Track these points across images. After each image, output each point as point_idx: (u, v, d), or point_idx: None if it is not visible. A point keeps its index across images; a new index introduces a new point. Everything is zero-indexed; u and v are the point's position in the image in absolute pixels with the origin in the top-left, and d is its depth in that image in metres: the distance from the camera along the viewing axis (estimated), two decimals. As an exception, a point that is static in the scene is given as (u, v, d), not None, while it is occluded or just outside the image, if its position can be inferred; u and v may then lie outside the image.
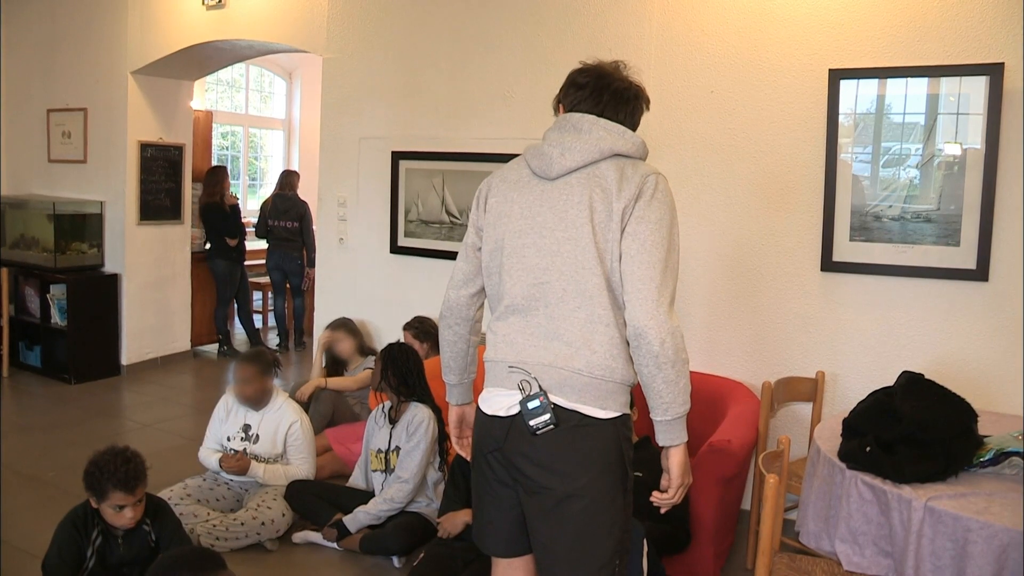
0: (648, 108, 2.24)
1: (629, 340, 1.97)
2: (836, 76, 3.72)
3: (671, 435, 2.01)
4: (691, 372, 4.08)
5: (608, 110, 2.12)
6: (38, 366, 6.56)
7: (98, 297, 6.44)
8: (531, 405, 1.97)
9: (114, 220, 6.57)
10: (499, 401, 2.06)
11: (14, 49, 7.10)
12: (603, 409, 2.00)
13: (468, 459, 2.28)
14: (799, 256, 3.90)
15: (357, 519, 3.65)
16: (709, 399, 3.90)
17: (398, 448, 3.74)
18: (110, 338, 6.53)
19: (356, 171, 5.36)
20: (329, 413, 4.74)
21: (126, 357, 6.61)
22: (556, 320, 2.01)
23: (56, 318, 6.39)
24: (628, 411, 2.06)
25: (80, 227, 6.63)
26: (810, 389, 3.72)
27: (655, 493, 2.07)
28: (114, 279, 6.55)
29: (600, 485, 2.00)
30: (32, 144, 7.08)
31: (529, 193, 2.08)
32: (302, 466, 3.94)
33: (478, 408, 2.16)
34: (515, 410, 2.01)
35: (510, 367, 2.04)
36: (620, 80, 2.17)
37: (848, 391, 3.79)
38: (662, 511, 2.15)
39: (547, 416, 1.96)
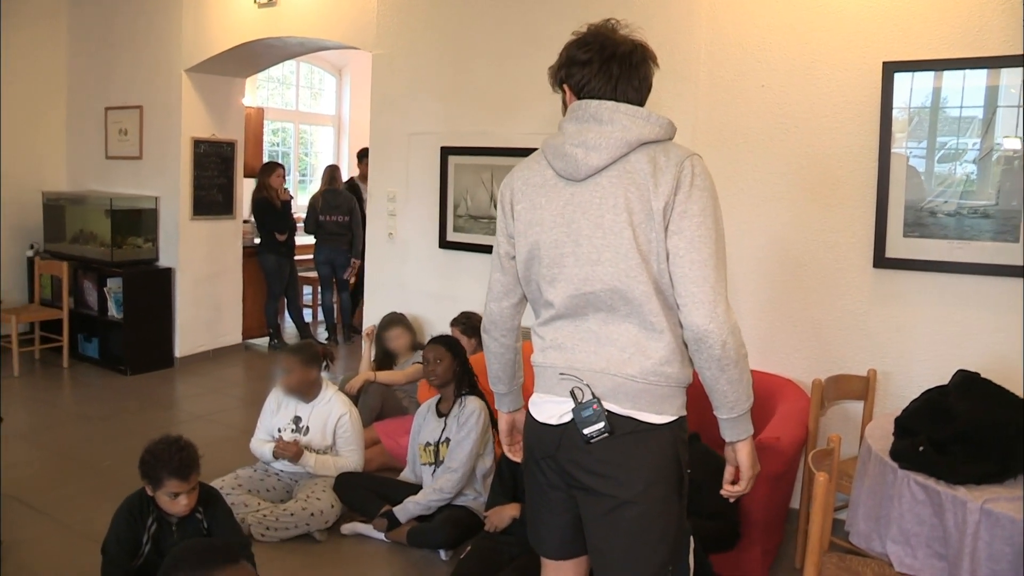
0: (657, 65, 2.07)
1: (687, 343, 1.90)
2: (890, 69, 3.65)
3: (738, 430, 1.98)
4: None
5: (621, 82, 1.97)
6: (96, 357, 6.72)
7: (153, 291, 6.58)
8: (584, 413, 1.91)
9: (168, 215, 6.71)
10: (550, 408, 2.00)
11: (76, 50, 7.29)
12: (659, 414, 1.93)
13: (519, 462, 2.26)
14: (851, 252, 3.84)
15: (407, 509, 3.68)
16: (758, 396, 3.80)
17: (448, 440, 3.76)
18: (164, 331, 6.67)
19: (405, 166, 5.40)
20: (378, 406, 4.78)
21: (179, 349, 6.74)
22: (608, 325, 1.93)
23: (113, 311, 6.54)
24: (684, 413, 2.00)
25: (135, 222, 6.78)
26: (861, 387, 3.67)
27: (726, 486, 2.04)
28: (168, 273, 6.68)
29: (656, 492, 1.93)
30: (90, 141, 7.27)
31: (558, 197, 1.96)
32: (351, 458, 3.98)
33: (528, 413, 2.10)
34: (567, 418, 1.95)
35: (561, 374, 1.97)
36: (623, 43, 2.03)
37: (901, 390, 3.72)
38: (731, 501, 2.13)
39: (601, 424, 1.90)
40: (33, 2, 7.07)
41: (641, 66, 2.01)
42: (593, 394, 1.92)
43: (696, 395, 3.93)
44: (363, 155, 7.86)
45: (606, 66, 1.98)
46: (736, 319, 1.87)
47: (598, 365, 1.93)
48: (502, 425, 2.32)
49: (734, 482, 2.03)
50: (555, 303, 1.97)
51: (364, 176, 7.28)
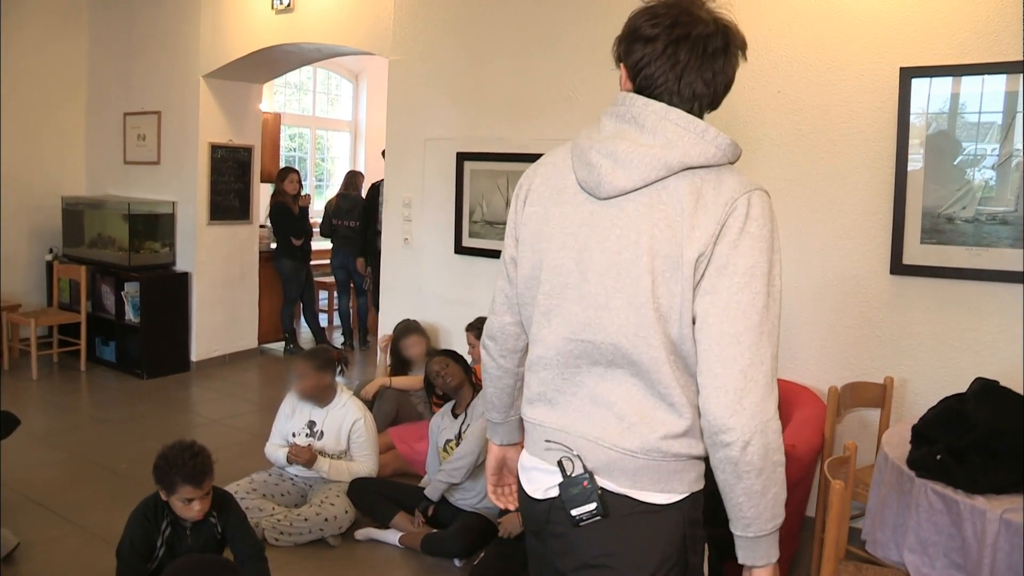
0: (745, 57, 1.64)
1: (703, 433, 1.50)
2: (907, 75, 3.63)
3: (755, 554, 1.54)
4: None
5: (689, 72, 1.53)
6: (113, 361, 6.77)
7: (169, 295, 6.61)
8: (573, 490, 1.55)
9: (185, 220, 6.75)
10: (537, 479, 1.66)
11: (96, 57, 7.36)
12: (665, 493, 1.55)
13: (506, 508, 1.97)
14: (867, 259, 3.82)
15: (435, 487, 3.72)
16: (774, 404, 3.84)
17: (471, 427, 3.80)
18: (180, 335, 6.71)
19: (421, 172, 5.41)
20: (393, 412, 4.79)
21: (195, 354, 6.78)
22: (605, 383, 1.55)
23: (130, 315, 6.58)
24: (700, 487, 1.61)
25: (153, 227, 6.83)
26: (878, 395, 3.64)
27: None
28: (185, 277, 6.72)
29: None
30: (109, 146, 7.33)
31: (575, 214, 1.58)
32: (365, 463, 3.99)
33: (519, 479, 1.75)
34: (554, 492, 1.60)
35: (547, 440, 1.62)
36: (703, 22, 1.55)
37: (918, 398, 3.69)
38: None
39: (593, 506, 1.54)
40: (54, 10, 7.15)
41: (719, 56, 1.57)
42: (584, 467, 1.56)
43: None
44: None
45: (673, 48, 1.53)
46: (773, 416, 1.44)
47: (591, 433, 1.56)
48: (490, 460, 1.94)
49: None
50: (547, 342, 1.61)
51: None
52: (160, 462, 2.84)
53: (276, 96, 9.60)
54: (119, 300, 6.66)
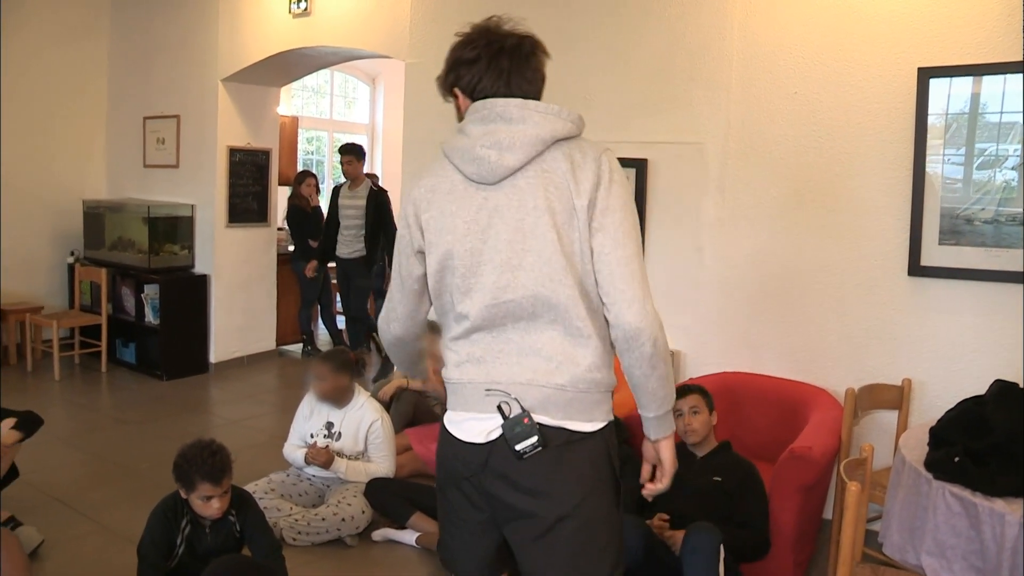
0: (548, 55, 2.00)
1: (616, 343, 1.82)
2: (925, 75, 3.61)
3: (663, 427, 1.90)
4: (771, 377, 4.03)
5: (514, 76, 1.88)
6: (133, 362, 6.83)
7: (188, 297, 6.67)
8: (515, 429, 1.79)
9: (204, 223, 6.80)
10: (474, 426, 1.86)
11: (116, 61, 7.44)
12: (590, 422, 1.84)
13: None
14: (885, 260, 3.80)
15: None
16: (790, 405, 3.84)
17: None
18: (199, 337, 6.76)
19: (431, 172, 5.40)
20: (410, 413, 4.80)
21: (214, 355, 6.82)
22: (531, 335, 1.82)
23: (150, 317, 6.64)
24: (612, 418, 1.91)
25: (172, 229, 6.88)
26: (895, 397, 3.62)
27: (648, 485, 1.94)
28: (204, 280, 6.77)
29: (592, 503, 1.84)
30: (129, 150, 7.40)
31: (471, 203, 1.84)
32: (382, 464, 4.00)
33: (446, 432, 1.94)
34: (496, 434, 1.82)
35: (487, 390, 1.84)
36: (510, 36, 1.93)
37: (936, 400, 3.67)
38: (649, 500, 2.04)
39: (534, 439, 1.78)
40: (75, 16, 7.22)
41: (531, 57, 1.94)
42: (522, 407, 1.80)
43: (728, 404, 3.90)
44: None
45: (495, 61, 1.88)
46: (658, 317, 1.81)
47: (523, 377, 1.82)
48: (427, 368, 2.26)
49: (653, 479, 1.94)
50: (470, 315, 1.85)
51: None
52: (180, 460, 2.87)
53: (294, 99, 9.65)
54: (139, 302, 6.72)
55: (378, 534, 3.80)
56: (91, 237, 7.26)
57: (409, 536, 3.74)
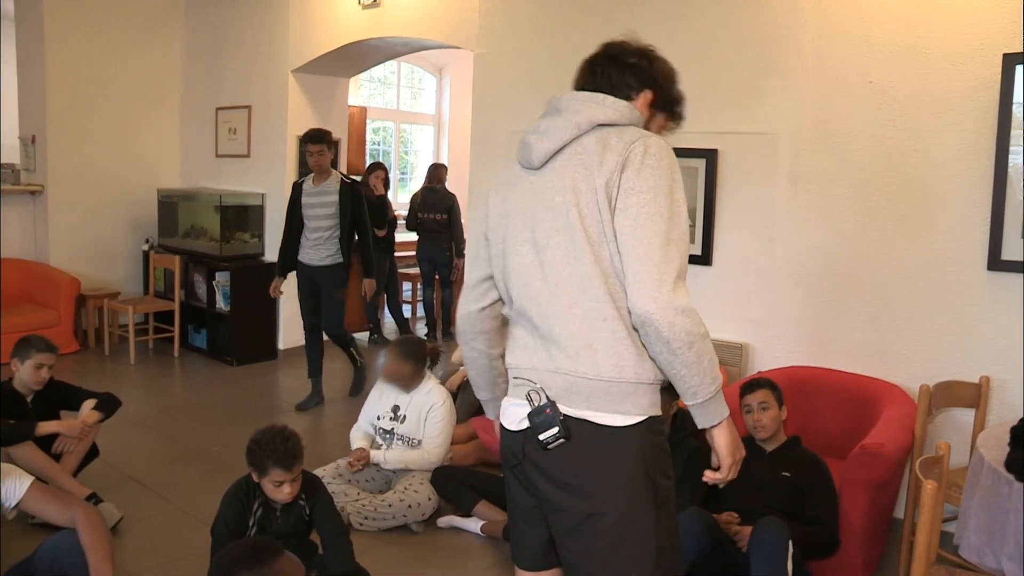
0: (658, 63, 2.01)
1: (637, 329, 1.76)
2: (1011, 61, 3.49)
3: (709, 416, 1.81)
4: (842, 372, 3.94)
5: (603, 80, 1.95)
6: (204, 348, 7.00)
7: (258, 284, 6.77)
8: (538, 418, 1.80)
9: (274, 211, 6.92)
10: (513, 413, 1.91)
11: (190, 54, 7.62)
12: (621, 415, 1.78)
13: None
14: (963, 255, 3.69)
15: None
16: (861, 401, 3.76)
17: None
18: (268, 323, 6.89)
19: (505, 164, 5.41)
20: (476, 402, 4.82)
21: (283, 342, 6.95)
22: (550, 320, 1.82)
23: (221, 304, 6.79)
24: (655, 413, 1.83)
25: (243, 218, 7.03)
26: (973, 395, 3.52)
27: (707, 472, 1.89)
28: (273, 268, 6.84)
29: (622, 501, 1.79)
30: (202, 140, 7.57)
31: (519, 187, 1.92)
32: (432, 453, 3.95)
33: (500, 420, 2.01)
34: (526, 423, 1.85)
35: (515, 377, 1.91)
36: (617, 46, 2.01)
37: (1016, 399, 3.55)
38: (720, 488, 2.08)
39: (555, 429, 1.78)
40: (151, 12, 7.41)
41: (632, 63, 1.98)
42: (547, 397, 1.81)
43: (797, 398, 3.84)
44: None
45: (592, 65, 2.00)
46: (687, 300, 1.72)
47: (549, 364, 1.83)
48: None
49: (718, 468, 1.87)
50: (513, 297, 1.92)
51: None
52: (253, 446, 2.92)
53: (361, 90, 9.75)
54: (210, 289, 6.88)
55: (443, 521, 3.84)
56: (165, 225, 7.45)
57: (474, 524, 3.77)
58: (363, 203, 5.57)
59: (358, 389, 5.82)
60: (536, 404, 1.81)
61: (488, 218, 2.01)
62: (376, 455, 3.93)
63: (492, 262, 2.00)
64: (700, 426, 1.84)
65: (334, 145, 5.90)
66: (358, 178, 7.61)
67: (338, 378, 6.50)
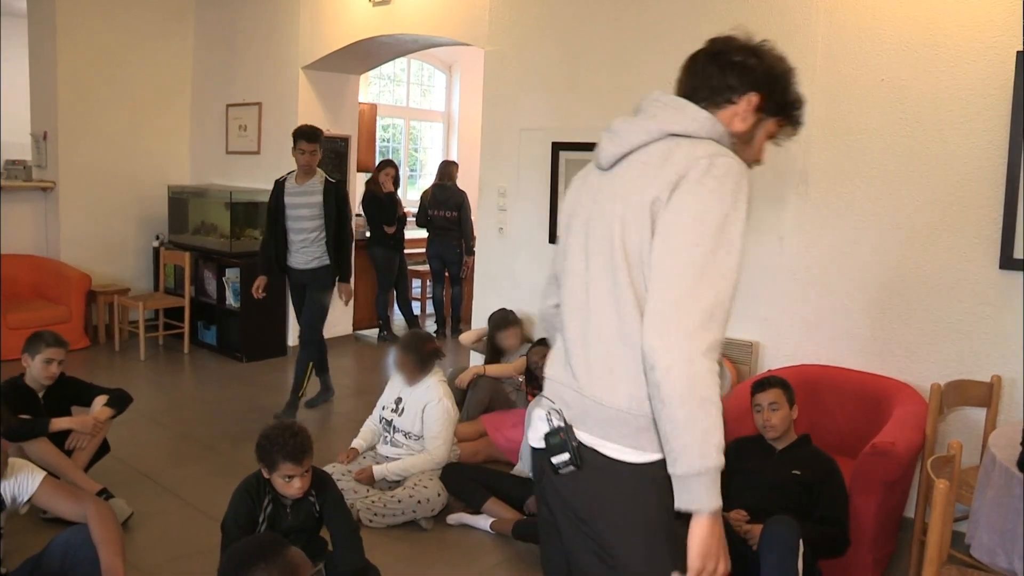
0: (768, 62, 1.77)
1: None
2: (1024, 60, 3.47)
3: (687, 496, 1.52)
4: (852, 371, 3.91)
5: (702, 80, 1.74)
6: (214, 344, 7.01)
7: (268, 281, 6.79)
8: (552, 440, 1.69)
9: (284, 208, 6.92)
10: (536, 428, 1.80)
11: (201, 51, 7.65)
12: (636, 450, 1.61)
13: None
14: (975, 253, 3.67)
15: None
16: (872, 399, 3.75)
17: None
18: (278, 320, 6.90)
19: (516, 162, 5.43)
20: (486, 400, 4.83)
21: (292, 339, 6.96)
22: (579, 336, 1.70)
23: (230, 300, 6.80)
24: None
25: (253, 214, 7.04)
26: (984, 394, 3.50)
27: None
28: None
29: (637, 556, 1.63)
30: (212, 137, 7.60)
31: (588, 186, 1.79)
32: (435, 451, 3.95)
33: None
34: (543, 443, 1.73)
35: (545, 390, 1.81)
36: (723, 41, 1.79)
37: (1028, 398, 3.54)
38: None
39: (565, 456, 1.66)
40: (162, 8, 7.43)
41: (736, 61, 1.75)
42: (563, 419, 1.69)
43: (807, 397, 3.82)
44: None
45: (693, 61, 1.80)
46: (704, 350, 1.48)
47: (573, 382, 1.70)
48: None
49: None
50: (560, 302, 1.82)
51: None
52: (262, 441, 2.93)
53: (370, 87, 9.75)
54: (220, 285, 6.89)
55: (453, 518, 3.84)
56: (175, 222, 7.48)
57: (484, 521, 3.77)
58: (348, 206, 5.39)
59: (290, 411, 5.28)
60: (552, 425, 1.70)
61: (561, 213, 1.88)
62: (378, 471, 3.93)
63: (555, 260, 1.89)
64: (677, 505, 1.55)
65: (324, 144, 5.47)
66: (365, 176, 7.65)
67: (348, 375, 6.52)
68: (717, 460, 1.49)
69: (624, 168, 1.69)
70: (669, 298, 1.51)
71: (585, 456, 1.65)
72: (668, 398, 1.48)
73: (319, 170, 5.30)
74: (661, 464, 1.57)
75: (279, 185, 5.33)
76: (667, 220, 1.56)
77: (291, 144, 5.17)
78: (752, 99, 1.73)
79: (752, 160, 1.81)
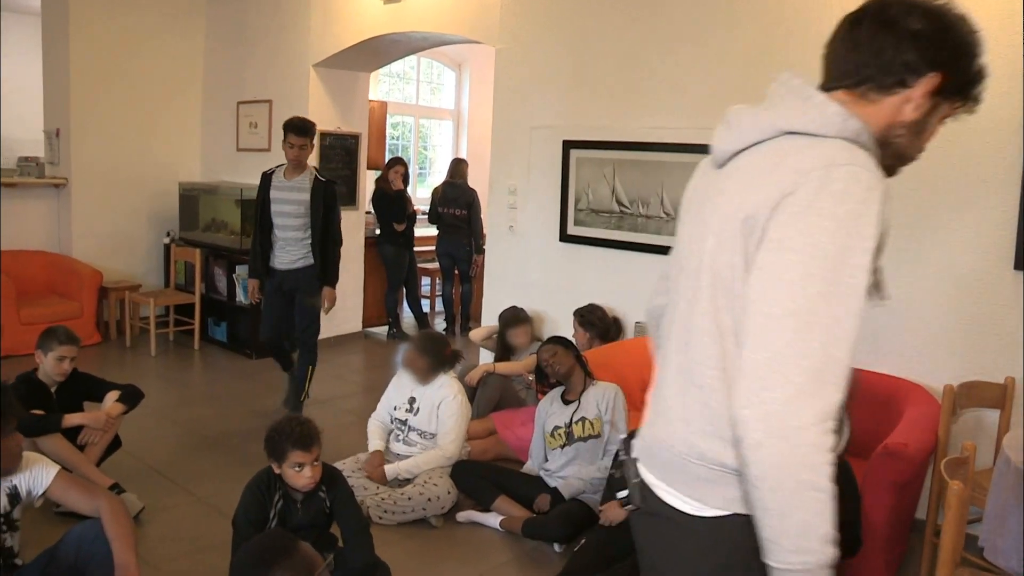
0: (955, 29, 1.39)
1: None
2: (1040, 58, 3.44)
3: None
4: (866, 372, 3.92)
5: (869, 53, 1.36)
6: (224, 341, 7.03)
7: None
8: (616, 474, 1.64)
9: (294, 206, 6.93)
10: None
11: (212, 48, 7.67)
12: (695, 501, 1.37)
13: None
14: (989, 253, 3.65)
15: (571, 486, 3.73)
16: (883, 400, 3.73)
17: (583, 418, 3.81)
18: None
19: (527, 160, 5.43)
20: (496, 397, 4.83)
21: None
22: (663, 364, 1.50)
23: (240, 297, 6.81)
24: (744, 511, 1.32)
25: (263, 212, 7.03)
26: (998, 395, 3.49)
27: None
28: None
29: None
30: (223, 134, 7.61)
31: (698, 187, 1.52)
32: (447, 447, 3.97)
33: None
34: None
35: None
36: (896, 1, 1.38)
37: (1041, 400, 3.52)
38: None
39: (626, 492, 1.52)
40: (174, 4, 7.45)
41: (910, 22, 1.35)
42: (628, 450, 1.53)
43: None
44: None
45: (850, 25, 1.44)
46: (809, 428, 1.18)
47: (648, 413, 1.51)
48: None
49: None
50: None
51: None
52: (271, 434, 2.94)
53: (380, 85, 9.76)
54: (230, 282, 6.91)
55: (463, 515, 3.84)
56: (186, 218, 7.50)
57: (493, 519, 3.77)
58: (337, 206, 5.07)
59: (294, 405, 5.17)
60: (623, 455, 1.55)
61: (681, 208, 1.60)
62: (390, 470, 3.93)
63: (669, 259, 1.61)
64: None
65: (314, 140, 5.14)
66: (374, 173, 7.66)
67: (357, 372, 6.53)
68: (820, 556, 1.21)
69: (735, 168, 1.38)
70: (763, 356, 1.21)
71: (648, 498, 1.45)
72: (757, 480, 1.22)
73: (311, 166, 5.06)
74: (724, 522, 1.34)
75: (266, 177, 5.06)
76: (767, 259, 1.24)
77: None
78: (932, 80, 1.36)
79: (914, 155, 1.50)
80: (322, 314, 5.18)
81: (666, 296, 1.59)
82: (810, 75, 1.44)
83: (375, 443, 4.09)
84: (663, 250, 5.03)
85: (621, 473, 1.51)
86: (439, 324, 8.19)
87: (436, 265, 8.16)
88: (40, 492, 2.63)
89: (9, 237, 6.73)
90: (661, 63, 4.70)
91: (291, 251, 4.98)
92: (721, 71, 4.44)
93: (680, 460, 1.37)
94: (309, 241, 4.95)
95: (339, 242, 5.09)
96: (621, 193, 4.92)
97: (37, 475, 2.63)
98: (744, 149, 1.38)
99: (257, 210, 5.09)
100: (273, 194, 4.98)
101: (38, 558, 2.62)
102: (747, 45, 4.34)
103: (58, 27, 6.93)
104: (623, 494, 1.52)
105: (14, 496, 2.59)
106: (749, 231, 1.27)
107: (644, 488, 1.46)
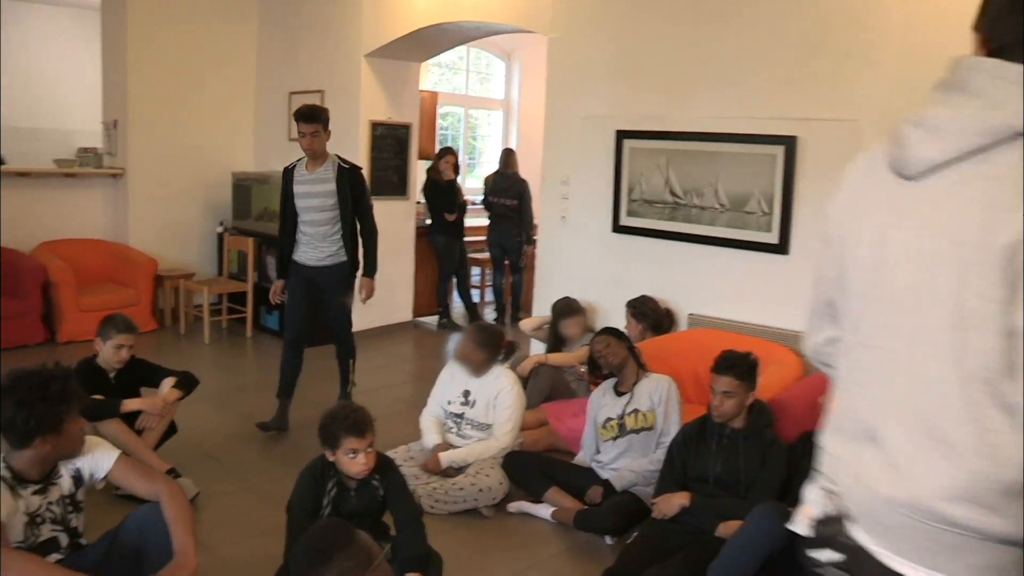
0: None
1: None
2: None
3: None
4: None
5: None
6: (276, 329, 7.09)
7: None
8: (818, 529, 1.32)
9: (345, 195, 6.97)
10: (807, 501, 1.41)
11: (265, 40, 7.75)
12: (940, 574, 1.18)
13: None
14: None
15: (623, 478, 3.72)
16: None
17: (636, 410, 3.78)
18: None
19: (579, 150, 5.39)
20: (547, 388, 4.81)
21: (354, 324, 6.99)
22: (880, 400, 1.25)
23: (291, 286, 6.86)
24: None
25: (315, 201, 7.08)
26: None
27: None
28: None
29: None
30: (275, 124, 7.69)
31: (881, 203, 1.27)
32: (502, 437, 3.98)
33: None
34: (805, 527, 1.36)
35: (828, 453, 1.37)
36: None
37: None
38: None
39: (834, 555, 1.28)
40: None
41: None
42: (835, 505, 1.29)
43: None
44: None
45: None
46: None
47: (862, 469, 1.25)
48: None
49: None
50: (854, 355, 1.34)
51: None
52: (324, 421, 2.96)
53: (429, 75, 9.76)
54: (283, 271, 6.96)
55: (514, 506, 3.84)
56: (239, 208, 7.58)
57: (545, 510, 3.76)
58: (366, 190, 4.83)
59: (342, 396, 5.10)
60: (823, 511, 1.32)
61: (831, 220, 1.39)
62: (444, 459, 3.93)
63: (825, 283, 1.41)
64: None
65: (328, 126, 4.86)
66: (425, 163, 7.66)
67: (408, 361, 6.56)
68: None
69: (950, 182, 1.16)
70: None
71: (865, 567, 1.24)
72: None
73: (332, 154, 4.80)
74: None
75: (288, 172, 4.80)
76: None
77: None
78: None
79: None
80: (364, 304, 5.02)
81: (835, 327, 1.40)
82: (883, 65, 1.35)
83: (433, 437, 4.07)
84: (717, 241, 4.97)
85: (817, 532, 1.32)
86: (489, 314, 8.19)
87: (487, 255, 8.16)
88: (102, 475, 2.67)
89: (69, 226, 6.92)
90: (715, 51, 4.63)
91: (320, 247, 4.73)
92: (777, 59, 4.36)
93: (920, 524, 1.18)
94: (339, 235, 4.72)
95: (374, 231, 4.87)
96: (675, 183, 4.86)
97: (99, 458, 2.67)
98: (961, 158, 1.15)
99: (282, 206, 4.83)
100: (296, 188, 4.72)
101: (101, 539, 2.66)
102: (803, 31, 4.25)
103: (117, 21, 7.06)
104: (819, 554, 1.31)
105: (78, 478, 2.64)
106: (1012, 256, 1.08)
107: (861, 554, 1.26)
